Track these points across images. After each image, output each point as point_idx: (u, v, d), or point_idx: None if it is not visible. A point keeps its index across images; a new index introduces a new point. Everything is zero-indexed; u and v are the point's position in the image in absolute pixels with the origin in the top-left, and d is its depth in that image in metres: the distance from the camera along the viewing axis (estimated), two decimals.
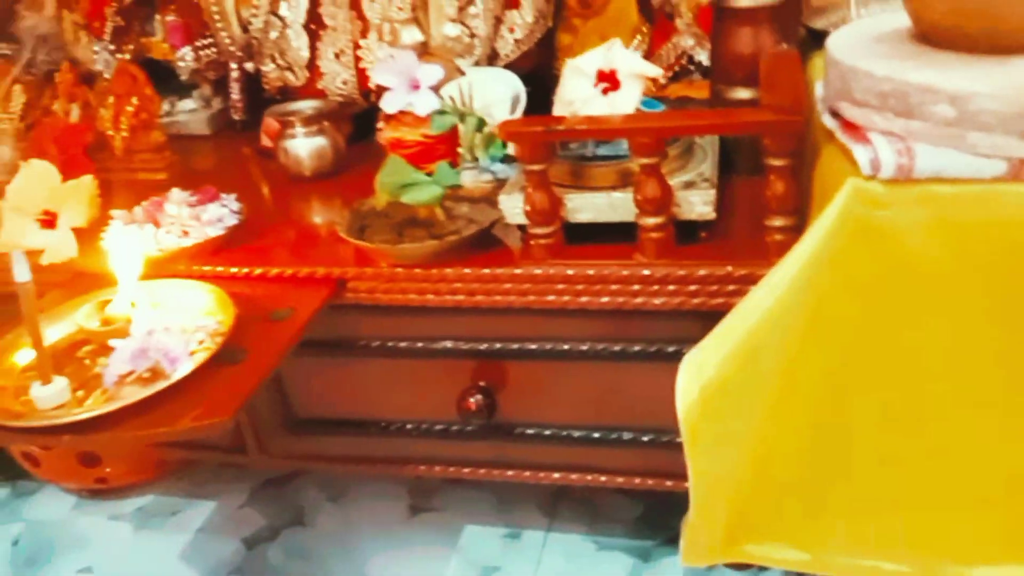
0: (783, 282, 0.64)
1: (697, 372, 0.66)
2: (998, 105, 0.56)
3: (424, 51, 0.96)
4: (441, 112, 0.85)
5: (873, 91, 0.61)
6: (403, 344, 0.92)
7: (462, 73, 0.88)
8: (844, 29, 0.70)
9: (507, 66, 1.15)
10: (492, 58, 1.15)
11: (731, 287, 0.78)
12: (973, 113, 0.57)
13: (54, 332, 0.84)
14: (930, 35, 0.64)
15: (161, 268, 0.90)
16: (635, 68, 0.82)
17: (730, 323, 0.66)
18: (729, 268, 0.78)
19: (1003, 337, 0.61)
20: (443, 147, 0.87)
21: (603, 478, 0.93)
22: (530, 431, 0.93)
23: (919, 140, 0.59)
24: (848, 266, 0.62)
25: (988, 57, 0.60)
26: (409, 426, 0.96)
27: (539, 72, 1.19)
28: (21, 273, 0.71)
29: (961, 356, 0.62)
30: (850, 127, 0.65)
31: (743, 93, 0.91)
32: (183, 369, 0.74)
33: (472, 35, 1.13)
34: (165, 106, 1.32)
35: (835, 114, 0.67)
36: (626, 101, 0.81)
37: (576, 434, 0.92)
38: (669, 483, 0.90)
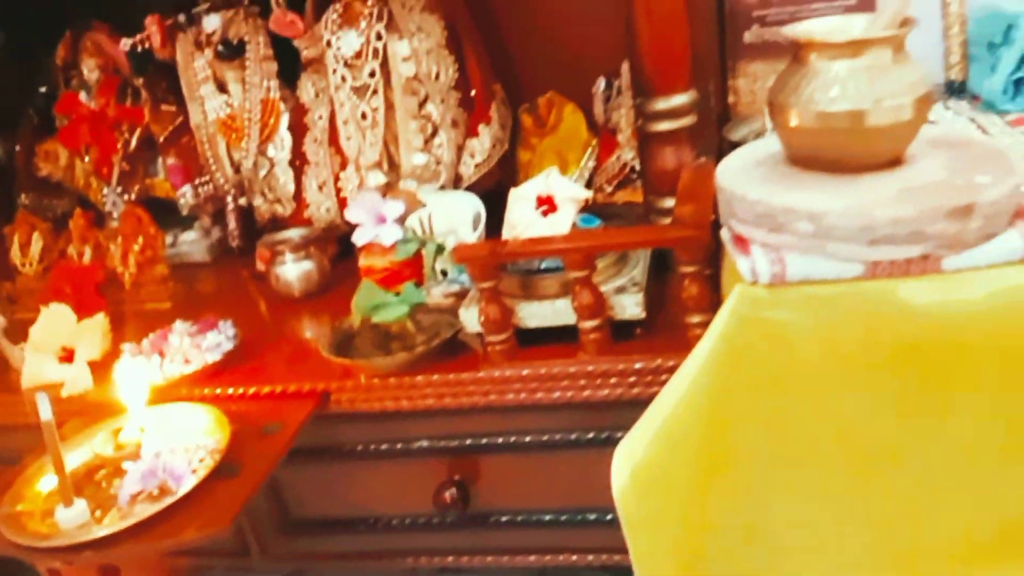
0: (691, 373, 0.74)
1: (628, 456, 0.76)
2: (846, 221, 0.68)
3: (388, 190, 1.09)
4: (405, 241, 0.97)
5: (750, 212, 0.73)
6: (384, 447, 1.01)
7: (423, 204, 1.00)
8: (732, 156, 0.82)
9: (472, 186, 1.28)
10: (457, 181, 1.28)
11: (664, 377, 0.86)
12: (828, 228, 0.68)
13: (74, 458, 0.92)
14: (795, 160, 0.76)
15: (166, 394, 0.99)
16: (568, 193, 0.94)
17: (653, 411, 0.76)
18: (659, 361, 0.88)
19: (878, 416, 0.71)
20: (409, 270, 0.99)
21: (574, 557, 1.02)
22: (504, 519, 1.02)
23: (789, 251, 0.71)
24: (742, 359, 0.72)
25: (841, 177, 0.72)
26: (394, 522, 1.05)
27: (502, 188, 1.32)
28: (44, 412, 0.82)
29: (848, 434, 0.72)
30: (738, 240, 0.76)
31: (670, 202, 1.02)
32: (186, 486, 0.83)
33: (438, 162, 1.26)
34: (168, 238, 1.42)
35: (730, 228, 0.79)
36: (562, 222, 0.93)
37: (547, 518, 1.01)
38: None
